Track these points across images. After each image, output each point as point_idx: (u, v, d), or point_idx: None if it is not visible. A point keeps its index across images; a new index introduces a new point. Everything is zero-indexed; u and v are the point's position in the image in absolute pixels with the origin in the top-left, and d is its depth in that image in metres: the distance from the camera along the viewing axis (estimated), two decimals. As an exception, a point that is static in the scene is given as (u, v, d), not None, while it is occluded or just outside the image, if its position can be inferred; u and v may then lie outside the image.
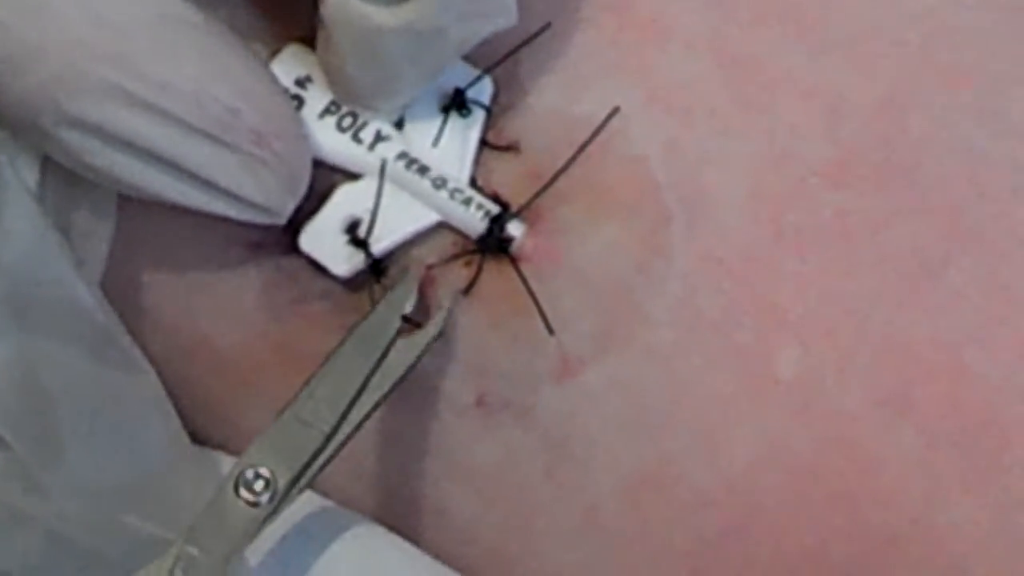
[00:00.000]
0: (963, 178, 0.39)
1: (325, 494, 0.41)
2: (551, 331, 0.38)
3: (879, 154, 0.39)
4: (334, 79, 0.39)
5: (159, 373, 0.40)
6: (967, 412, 0.38)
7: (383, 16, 0.36)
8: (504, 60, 0.39)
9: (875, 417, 0.38)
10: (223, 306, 0.40)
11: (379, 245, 0.39)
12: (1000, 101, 0.40)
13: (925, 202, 0.39)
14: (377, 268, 0.39)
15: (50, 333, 0.38)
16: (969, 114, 0.40)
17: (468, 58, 0.40)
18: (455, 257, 0.39)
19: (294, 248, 0.39)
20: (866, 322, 0.38)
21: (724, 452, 0.38)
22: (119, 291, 0.40)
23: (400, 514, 0.40)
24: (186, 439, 0.40)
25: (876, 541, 0.38)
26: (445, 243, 0.40)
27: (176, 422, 0.40)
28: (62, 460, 0.38)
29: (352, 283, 0.40)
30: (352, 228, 0.39)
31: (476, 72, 0.40)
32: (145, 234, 0.40)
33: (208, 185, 0.37)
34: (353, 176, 0.40)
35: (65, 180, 0.38)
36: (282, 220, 0.38)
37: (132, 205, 0.39)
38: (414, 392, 0.39)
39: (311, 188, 0.39)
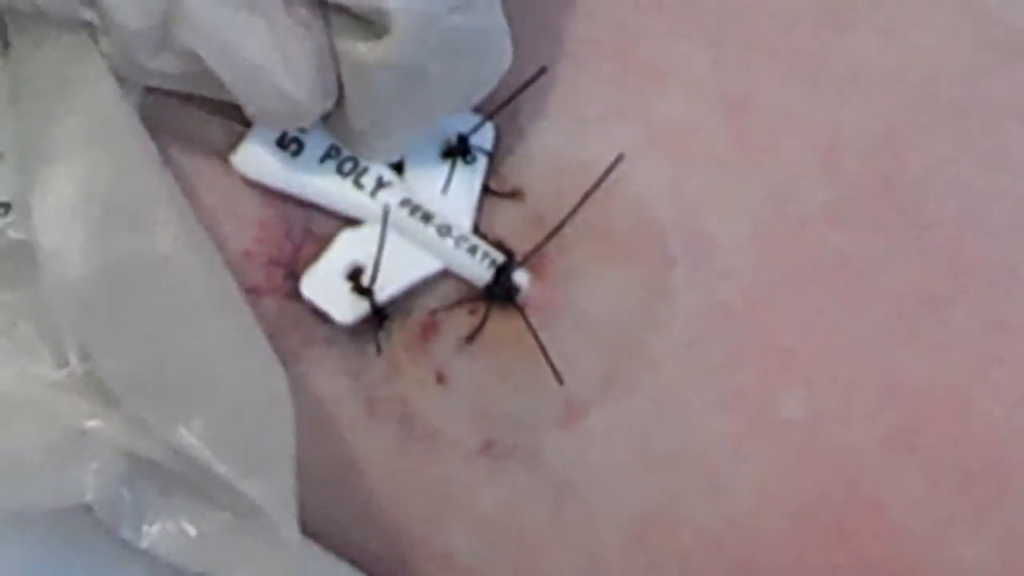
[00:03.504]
0: (963, 216, 0.41)
1: (329, 537, 0.41)
2: (560, 380, 0.39)
3: (879, 193, 0.41)
4: (331, 120, 0.40)
5: None
6: (970, 450, 0.39)
7: (363, 52, 0.37)
8: (505, 105, 0.41)
9: (879, 456, 0.39)
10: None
11: (383, 293, 0.40)
12: (999, 138, 0.41)
13: (925, 240, 0.40)
14: (381, 315, 0.40)
15: None
16: (968, 152, 0.41)
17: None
18: (459, 303, 0.40)
19: (296, 293, 0.40)
20: (869, 362, 0.40)
21: (729, 493, 0.40)
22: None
23: (405, 558, 0.42)
24: None
25: (881, 580, 0.39)
26: (448, 288, 0.41)
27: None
28: None
29: (356, 328, 0.41)
30: (355, 275, 0.40)
31: (477, 118, 0.41)
32: None
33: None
34: (355, 222, 0.41)
35: None
36: (310, 117, 0.39)
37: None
38: (419, 437, 0.40)
39: (311, 233, 0.40)
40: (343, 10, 0.38)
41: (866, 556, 0.39)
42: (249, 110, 0.38)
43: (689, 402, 0.40)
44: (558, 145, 0.41)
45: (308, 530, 0.41)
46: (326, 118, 0.40)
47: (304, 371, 0.41)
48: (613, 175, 0.40)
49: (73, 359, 0.38)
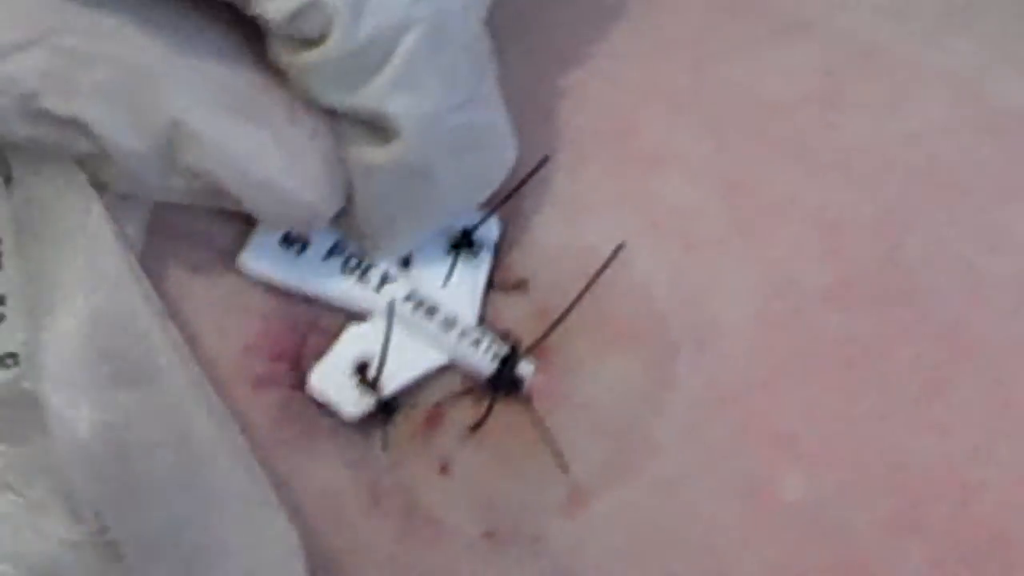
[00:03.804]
0: (963, 295, 0.41)
1: None
2: (565, 469, 0.40)
3: (878, 274, 0.41)
4: (340, 220, 0.41)
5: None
6: (974, 530, 0.40)
7: (372, 155, 0.38)
8: (509, 198, 0.42)
9: (882, 537, 0.40)
10: None
11: (388, 387, 0.41)
12: (999, 217, 0.42)
13: (926, 321, 0.41)
14: (387, 409, 0.41)
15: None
16: (967, 231, 0.41)
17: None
18: (464, 394, 0.41)
19: (300, 385, 0.41)
20: (871, 444, 0.40)
21: (733, 575, 0.40)
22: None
23: None
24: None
25: (887, 662, 0.39)
26: (454, 380, 0.41)
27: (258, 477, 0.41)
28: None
29: (361, 419, 0.41)
30: (361, 369, 0.41)
31: (482, 212, 0.42)
32: None
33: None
34: (360, 316, 0.41)
35: None
36: (323, 221, 0.40)
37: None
38: (421, 526, 0.41)
39: (316, 326, 0.41)
40: (349, 117, 0.38)
41: None
42: (261, 218, 0.39)
43: (692, 487, 0.40)
44: (560, 234, 0.42)
45: None
46: (335, 218, 0.40)
47: (307, 462, 0.41)
48: (617, 263, 0.41)
49: (89, 517, 0.39)
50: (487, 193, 0.41)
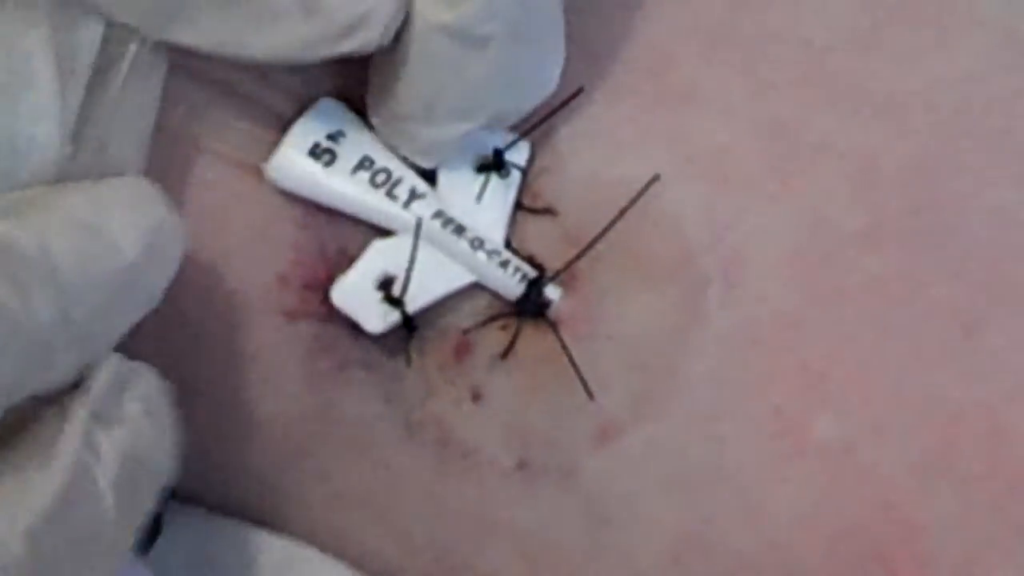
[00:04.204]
0: (997, 240, 0.41)
1: (370, 562, 0.42)
2: (591, 396, 0.40)
3: (912, 217, 0.41)
4: (376, 105, 0.40)
5: (202, 443, 0.41)
6: (1005, 473, 0.40)
7: (440, 12, 0.37)
8: (541, 123, 0.41)
9: (913, 479, 0.40)
10: (264, 376, 0.41)
11: (414, 303, 0.40)
12: None
13: (960, 264, 0.41)
14: (411, 326, 0.40)
15: None
16: (1004, 176, 0.41)
17: (503, 123, 0.41)
18: (491, 320, 0.40)
19: (331, 317, 0.41)
20: (903, 385, 0.40)
21: (764, 513, 0.40)
22: (159, 365, 0.41)
23: None
24: None
25: (916, 602, 0.39)
26: (480, 305, 0.41)
27: None
28: None
29: (389, 347, 0.41)
30: (386, 285, 0.40)
31: (512, 136, 0.41)
32: (181, 308, 0.41)
33: None
34: (387, 233, 0.41)
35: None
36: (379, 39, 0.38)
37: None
38: (456, 458, 0.41)
39: (345, 254, 0.41)
40: None
41: None
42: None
43: (723, 424, 0.40)
44: (592, 164, 0.41)
45: (351, 556, 0.41)
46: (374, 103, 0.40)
47: (340, 394, 0.41)
48: (648, 195, 0.40)
49: None
50: (530, 103, 0.40)
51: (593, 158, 0.41)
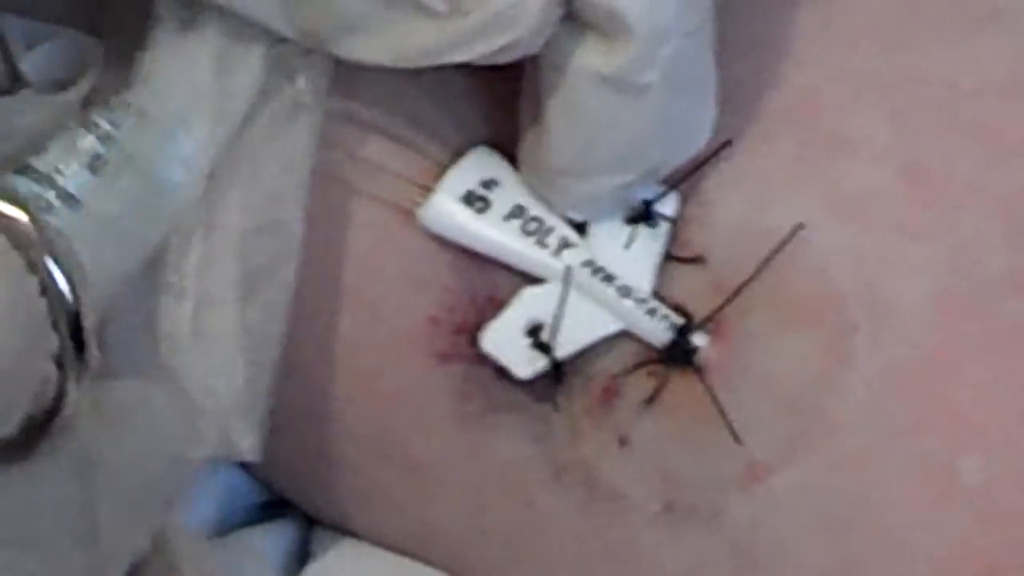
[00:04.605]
0: None
1: None
2: (738, 440, 0.40)
3: None
4: (532, 153, 0.41)
5: (353, 479, 0.42)
6: None
7: (597, 60, 0.38)
8: (690, 175, 0.42)
9: None
10: (415, 415, 0.42)
11: (562, 350, 0.41)
12: None
13: (1108, 309, 0.40)
14: (559, 372, 0.41)
15: None
16: None
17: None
18: (638, 366, 0.41)
19: (480, 360, 0.42)
20: (1047, 428, 0.40)
21: (910, 557, 0.40)
22: (313, 398, 0.42)
23: None
24: None
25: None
26: (627, 351, 0.42)
27: None
28: None
29: (537, 391, 0.42)
30: (534, 331, 0.41)
31: (662, 188, 0.42)
32: (331, 349, 0.42)
33: None
34: (536, 280, 0.42)
35: None
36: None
37: (314, 308, 0.42)
38: (602, 500, 0.41)
39: (494, 300, 0.42)
40: (582, 14, 0.38)
41: None
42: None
43: (869, 467, 0.40)
44: (740, 212, 0.42)
45: None
46: (522, 156, 0.41)
47: (489, 435, 0.42)
48: (795, 241, 0.41)
49: None
50: (684, 154, 0.41)
51: (741, 206, 0.42)
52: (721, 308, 0.41)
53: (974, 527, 0.40)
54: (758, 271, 0.41)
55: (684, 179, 0.42)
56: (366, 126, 0.42)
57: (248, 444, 0.40)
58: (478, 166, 0.42)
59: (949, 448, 0.40)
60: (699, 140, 0.41)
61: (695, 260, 0.42)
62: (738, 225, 0.42)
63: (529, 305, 0.41)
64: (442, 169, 0.42)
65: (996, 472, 0.40)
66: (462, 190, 0.41)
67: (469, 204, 0.41)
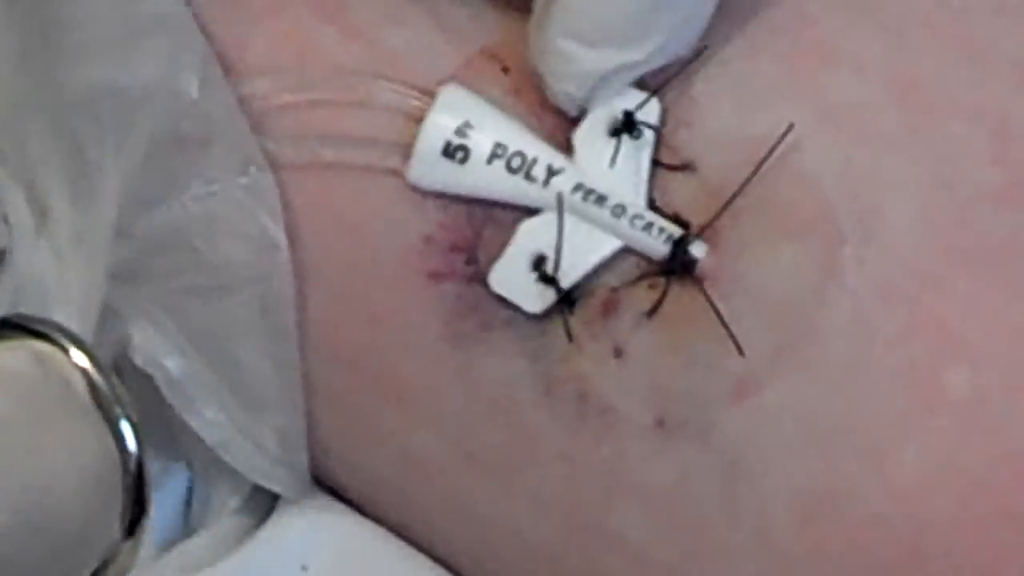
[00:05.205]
0: None
1: (501, 521, 0.43)
2: (741, 352, 0.40)
3: None
4: (547, 15, 0.40)
5: (339, 405, 0.41)
6: None
7: None
8: (669, 81, 0.41)
9: None
10: (406, 337, 0.42)
11: (567, 279, 0.41)
12: None
13: (1096, 224, 0.41)
14: (568, 301, 0.41)
15: None
16: None
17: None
18: (639, 279, 0.41)
19: (475, 278, 0.42)
20: (1035, 342, 0.40)
21: (895, 469, 0.41)
22: (301, 326, 0.41)
23: (579, 539, 0.43)
24: None
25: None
26: (628, 265, 0.42)
27: None
28: None
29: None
30: (538, 264, 0.41)
31: (643, 95, 0.42)
32: (322, 270, 0.41)
33: None
34: (531, 211, 0.42)
35: None
36: None
37: (306, 237, 0.41)
38: (593, 415, 0.41)
39: (491, 217, 0.41)
40: None
41: None
42: None
43: (856, 380, 0.41)
44: (730, 120, 0.42)
45: (479, 518, 0.42)
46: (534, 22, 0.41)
47: (483, 354, 0.42)
48: (786, 151, 0.41)
49: None
50: (686, 40, 0.41)
51: (730, 114, 0.42)
52: (717, 216, 0.41)
53: (960, 439, 0.40)
54: (751, 176, 0.41)
55: (663, 85, 0.41)
56: (331, 100, 0.42)
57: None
58: (448, 111, 0.42)
59: (935, 360, 0.40)
60: (697, 29, 0.41)
61: (685, 167, 0.41)
62: (728, 132, 0.42)
63: (529, 238, 0.41)
64: (416, 123, 0.42)
65: (982, 384, 0.40)
66: (440, 143, 0.41)
67: (450, 157, 0.41)
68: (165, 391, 0.42)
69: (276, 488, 0.45)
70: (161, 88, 0.41)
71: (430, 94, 0.42)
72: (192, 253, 0.42)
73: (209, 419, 0.43)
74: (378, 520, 0.46)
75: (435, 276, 0.42)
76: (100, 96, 0.41)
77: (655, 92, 0.41)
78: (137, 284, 0.42)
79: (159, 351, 0.42)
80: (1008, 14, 0.43)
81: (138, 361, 0.42)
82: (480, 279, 0.41)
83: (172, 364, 0.42)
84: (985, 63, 0.42)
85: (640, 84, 0.42)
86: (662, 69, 0.41)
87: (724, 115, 0.42)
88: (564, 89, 0.41)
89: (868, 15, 0.42)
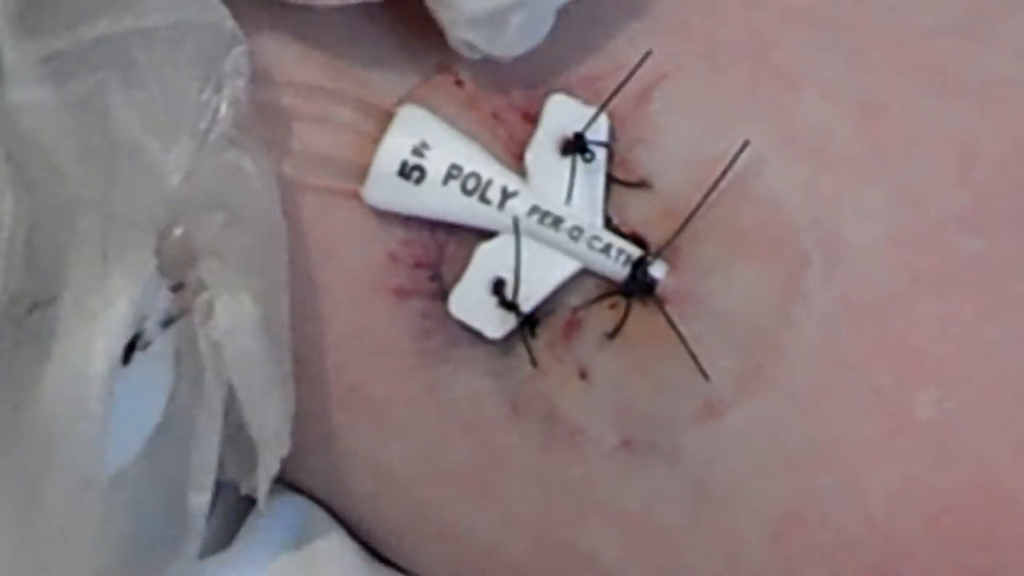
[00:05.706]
0: None
1: (474, 541, 0.43)
2: (706, 376, 0.40)
3: (1014, 198, 0.41)
4: None
5: (308, 420, 0.42)
6: None
7: None
8: (614, 95, 0.41)
9: (1015, 457, 0.40)
10: (374, 354, 0.42)
11: (527, 303, 0.41)
12: None
13: (1062, 245, 0.41)
14: (530, 322, 0.41)
15: None
16: None
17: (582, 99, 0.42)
18: (600, 298, 0.41)
19: (440, 294, 0.42)
20: (1004, 365, 0.41)
21: (864, 492, 0.41)
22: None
23: (550, 559, 0.43)
24: None
25: (1018, 583, 0.40)
26: (589, 285, 0.42)
27: None
28: None
29: (504, 336, 0.42)
30: (498, 288, 0.41)
31: (590, 110, 0.42)
32: (292, 286, 0.42)
33: None
34: (488, 234, 0.42)
35: None
36: None
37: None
38: (561, 435, 0.41)
39: (455, 232, 0.41)
40: None
41: (1004, 559, 0.40)
42: None
43: (824, 401, 0.41)
44: (689, 141, 0.42)
45: (453, 534, 0.42)
46: None
47: (450, 372, 0.42)
48: (747, 173, 0.41)
49: None
50: None
51: (689, 135, 0.42)
52: (676, 236, 0.41)
53: (929, 462, 0.40)
54: (708, 193, 0.40)
55: (609, 99, 0.41)
56: (292, 115, 0.42)
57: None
58: (406, 131, 0.42)
59: (903, 383, 0.40)
60: None
61: (640, 184, 0.41)
62: (687, 152, 0.42)
63: (488, 261, 0.41)
64: (374, 142, 0.42)
65: (950, 407, 0.40)
66: (396, 163, 0.41)
67: (406, 177, 0.41)
68: None
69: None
70: None
71: (389, 113, 0.42)
72: None
73: None
74: (351, 533, 0.46)
75: (400, 293, 0.42)
76: None
77: (601, 108, 0.41)
78: None
79: None
80: (975, 37, 0.42)
81: None
82: (444, 296, 0.41)
83: None
84: (951, 86, 0.42)
85: (585, 100, 0.42)
86: (606, 85, 0.41)
87: (683, 135, 0.42)
88: (460, 36, 0.41)
89: (833, 38, 0.42)
